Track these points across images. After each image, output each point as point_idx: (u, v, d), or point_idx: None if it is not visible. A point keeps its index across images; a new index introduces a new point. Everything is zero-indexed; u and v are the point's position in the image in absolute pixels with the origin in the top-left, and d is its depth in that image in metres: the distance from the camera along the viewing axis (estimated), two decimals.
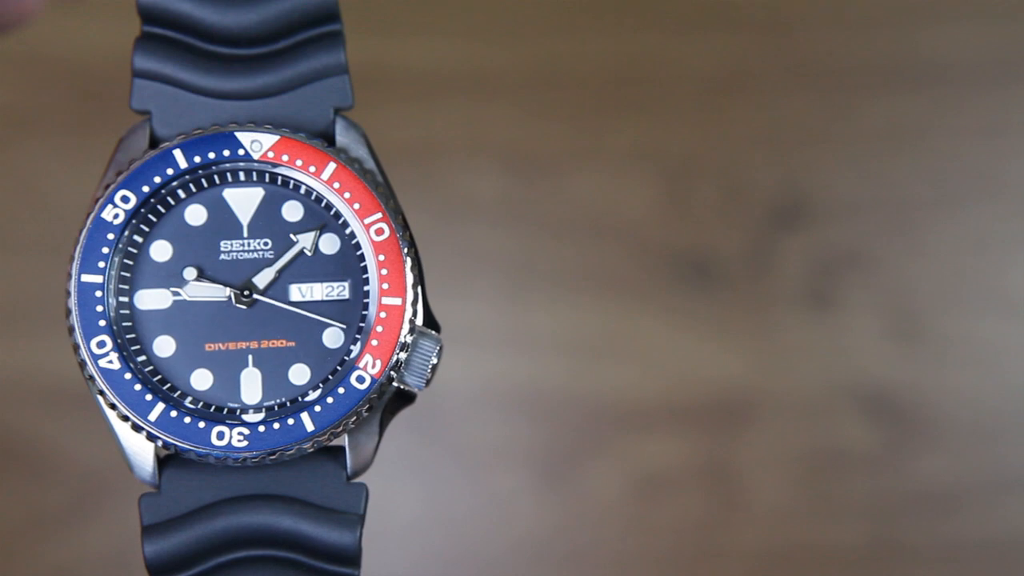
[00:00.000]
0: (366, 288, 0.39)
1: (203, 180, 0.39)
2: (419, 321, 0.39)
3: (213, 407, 0.38)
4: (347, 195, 0.39)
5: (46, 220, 0.77)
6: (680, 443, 0.78)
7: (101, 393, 0.37)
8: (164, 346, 0.38)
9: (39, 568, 0.75)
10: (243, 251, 0.39)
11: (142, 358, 0.38)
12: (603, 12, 0.82)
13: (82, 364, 0.37)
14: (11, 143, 0.78)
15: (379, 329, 0.38)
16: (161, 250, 0.39)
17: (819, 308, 0.80)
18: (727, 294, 0.79)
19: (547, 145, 0.80)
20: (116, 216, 0.38)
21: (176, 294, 0.38)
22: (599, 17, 0.82)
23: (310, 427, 0.37)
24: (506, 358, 0.79)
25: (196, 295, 0.38)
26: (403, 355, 0.38)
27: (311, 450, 0.38)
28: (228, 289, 0.38)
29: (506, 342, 0.79)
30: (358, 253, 0.39)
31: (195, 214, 0.39)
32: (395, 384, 0.38)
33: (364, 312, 0.39)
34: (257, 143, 0.39)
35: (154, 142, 0.39)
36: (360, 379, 0.38)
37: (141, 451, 0.38)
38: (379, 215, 0.39)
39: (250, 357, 0.38)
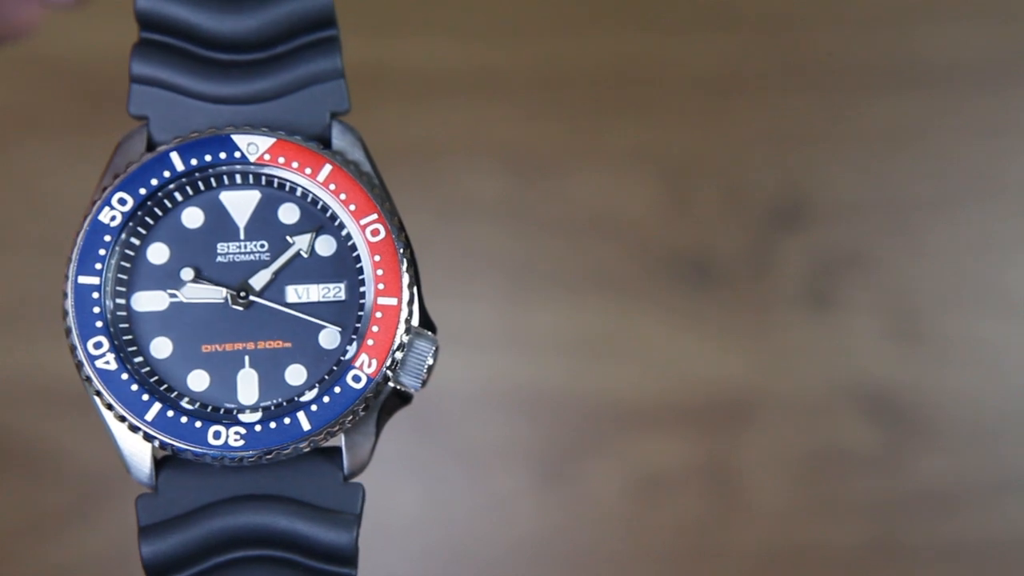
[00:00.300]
0: (362, 289, 0.39)
1: (200, 183, 0.39)
2: (415, 322, 0.39)
3: (210, 407, 0.38)
4: (343, 196, 0.39)
5: (46, 220, 0.77)
6: (680, 443, 0.78)
7: (98, 394, 0.37)
8: (161, 347, 0.38)
9: (39, 568, 0.75)
10: (240, 253, 0.39)
11: (139, 359, 0.38)
12: (603, 12, 0.82)
13: (79, 365, 0.37)
14: (11, 143, 0.79)
15: (375, 329, 0.38)
16: (158, 253, 0.39)
17: (819, 308, 0.80)
18: (727, 294, 0.79)
19: (547, 145, 0.80)
20: (113, 218, 0.38)
21: (173, 296, 0.39)
22: (599, 17, 0.82)
23: (306, 426, 0.37)
24: (506, 358, 0.79)
25: (193, 297, 0.38)
26: (399, 355, 0.38)
27: (307, 449, 0.38)
28: (224, 290, 0.38)
29: (506, 342, 0.79)
30: (354, 254, 0.39)
31: (192, 217, 0.39)
32: (391, 384, 0.38)
33: (360, 313, 0.39)
34: (253, 145, 0.39)
35: (151, 147, 0.39)
36: (356, 378, 0.38)
37: (138, 452, 0.38)
38: (375, 216, 0.39)
39: (246, 358, 0.38)
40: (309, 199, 0.39)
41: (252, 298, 0.39)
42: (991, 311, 0.80)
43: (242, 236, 0.39)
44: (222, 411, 0.38)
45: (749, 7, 0.82)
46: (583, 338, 0.79)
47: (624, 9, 0.82)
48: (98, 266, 0.38)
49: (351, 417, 0.38)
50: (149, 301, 0.39)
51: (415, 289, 0.39)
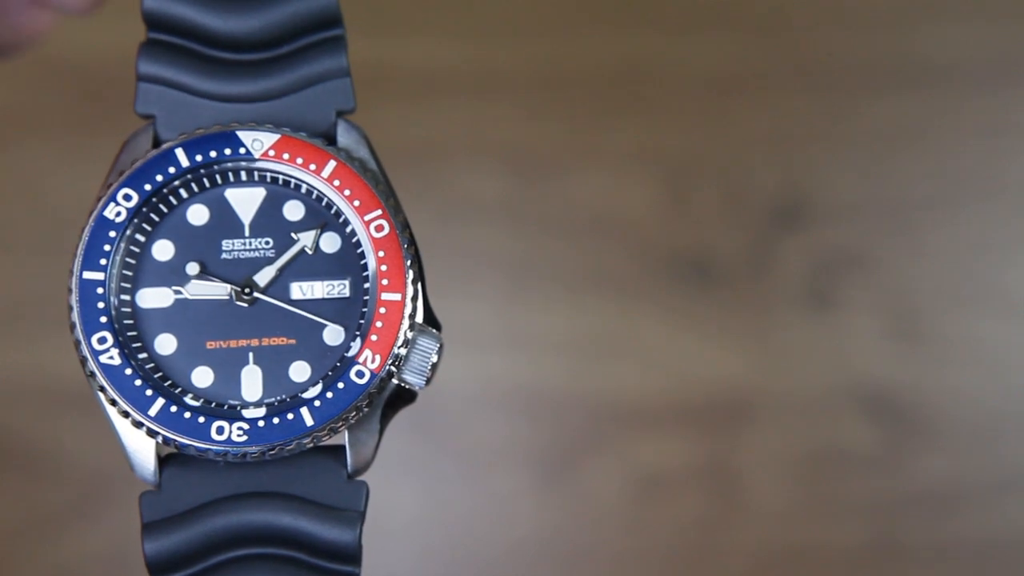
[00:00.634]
0: (366, 286, 0.39)
1: (205, 180, 0.39)
2: (419, 319, 0.39)
3: (214, 404, 0.38)
4: (347, 192, 0.39)
5: (46, 220, 0.77)
6: (680, 443, 0.78)
7: (102, 389, 0.37)
8: (165, 344, 0.38)
9: (39, 568, 0.75)
10: (245, 250, 0.39)
11: (143, 355, 0.38)
12: (603, 12, 0.82)
13: (83, 360, 0.37)
14: (11, 143, 0.79)
15: (378, 324, 0.38)
16: (163, 249, 0.39)
17: (819, 308, 0.80)
18: (727, 294, 0.79)
19: (547, 145, 0.80)
20: (118, 214, 0.38)
21: (178, 292, 0.39)
22: (599, 17, 0.82)
23: (309, 422, 0.37)
24: (506, 358, 0.79)
25: (197, 293, 0.39)
26: (403, 351, 0.38)
27: (310, 445, 0.38)
28: (229, 287, 0.38)
29: (506, 342, 0.79)
30: (359, 251, 0.39)
31: (197, 214, 0.39)
32: (395, 381, 0.38)
33: (364, 309, 0.39)
34: (258, 142, 0.39)
35: (157, 145, 0.39)
36: (359, 374, 0.38)
37: (142, 449, 0.38)
38: (379, 212, 0.39)
39: (251, 354, 0.38)
40: (314, 196, 0.39)
41: (256, 295, 0.39)
42: (991, 311, 0.80)
43: (247, 233, 0.39)
44: (226, 407, 0.38)
45: (750, 7, 0.83)
46: (583, 338, 0.79)
47: (624, 9, 0.82)
48: (103, 262, 0.38)
49: (354, 413, 0.38)
50: (154, 298, 0.39)
51: (419, 285, 0.39)
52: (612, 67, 0.81)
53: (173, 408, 0.37)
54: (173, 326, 0.38)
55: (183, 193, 0.39)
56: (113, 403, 0.37)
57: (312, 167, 0.39)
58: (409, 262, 0.38)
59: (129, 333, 0.38)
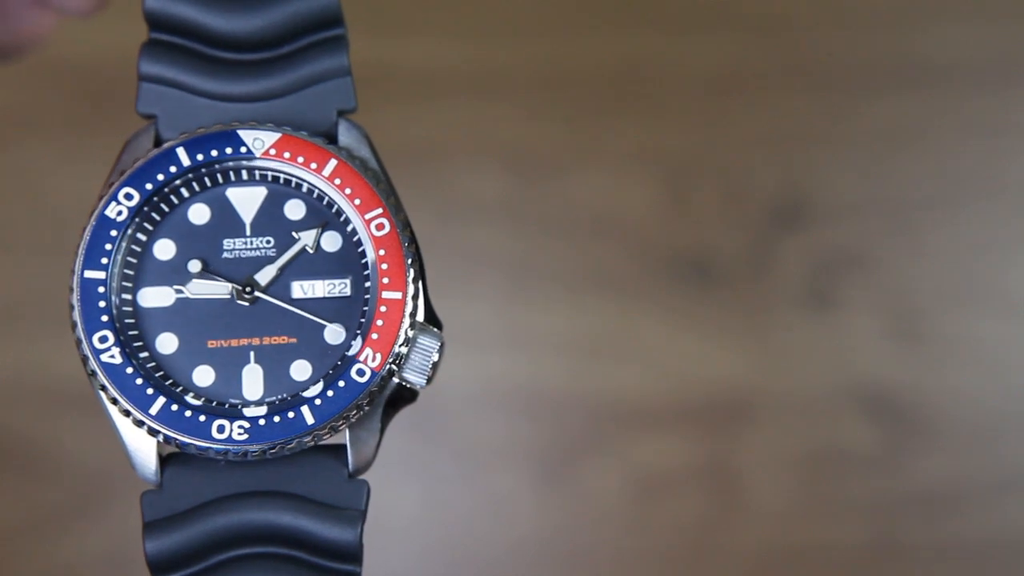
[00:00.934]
0: (367, 284, 0.39)
1: (206, 179, 0.39)
2: (420, 317, 0.39)
3: (215, 403, 0.38)
4: (348, 191, 0.39)
5: (46, 220, 0.77)
6: (680, 443, 0.78)
7: (103, 388, 0.37)
8: (167, 343, 0.38)
9: (39, 568, 0.75)
10: (246, 249, 0.39)
11: (144, 354, 0.38)
12: (603, 12, 0.82)
13: (84, 359, 0.37)
14: (11, 143, 0.79)
15: (379, 323, 0.38)
16: (164, 248, 0.39)
17: (819, 308, 0.80)
18: (727, 294, 0.79)
19: (548, 145, 0.80)
20: (120, 213, 0.38)
21: (179, 292, 0.39)
22: (599, 17, 0.82)
23: (310, 420, 0.37)
24: (506, 358, 0.79)
25: (198, 292, 0.39)
26: (403, 349, 0.38)
27: (311, 444, 0.38)
28: (230, 286, 0.38)
29: (506, 342, 0.79)
30: (360, 250, 0.39)
31: (198, 213, 0.39)
32: (396, 380, 0.38)
33: (365, 308, 0.39)
34: (259, 141, 0.39)
35: (159, 145, 0.39)
36: (360, 372, 0.38)
37: (143, 448, 0.38)
38: (379, 210, 0.39)
39: (252, 353, 0.38)
40: (315, 195, 0.39)
41: (257, 294, 0.39)
42: (991, 311, 0.80)
43: (248, 232, 0.39)
44: (227, 406, 0.38)
45: (749, 7, 0.83)
46: (583, 338, 0.79)
47: (624, 9, 0.82)
48: (104, 261, 0.38)
49: (355, 412, 0.38)
50: (155, 297, 0.39)
51: (420, 284, 0.39)
52: (612, 67, 0.81)
53: (174, 407, 0.37)
54: (174, 325, 0.38)
55: (184, 192, 0.39)
56: (114, 402, 0.37)
57: (313, 166, 0.39)
58: (410, 260, 0.38)
59: (130, 332, 0.38)
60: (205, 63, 0.40)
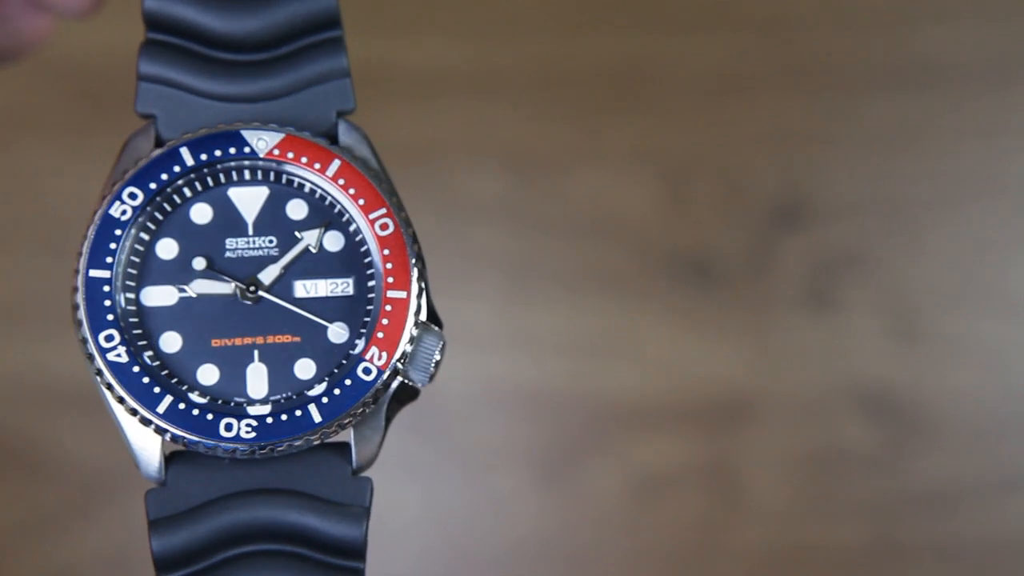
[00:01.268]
0: (370, 284, 0.39)
1: (208, 179, 0.39)
2: (423, 316, 0.39)
3: (220, 401, 0.38)
4: (352, 191, 0.39)
5: (46, 220, 0.77)
6: (680, 443, 0.78)
7: (109, 387, 0.37)
8: (171, 342, 0.38)
9: (39, 568, 0.75)
10: (248, 248, 0.39)
11: (149, 353, 0.38)
12: (603, 12, 0.82)
13: (90, 357, 0.37)
14: (11, 143, 0.78)
15: (384, 322, 0.38)
16: (167, 248, 0.39)
17: (819, 308, 0.80)
18: (727, 294, 0.79)
19: (547, 145, 0.80)
20: (124, 212, 0.38)
21: (182, 291, 0.39)
22: (599, 17, 0.82)
23: (317, 418, 0.37)
24: (506, 358, 0.79)
25: (202, 291, 0.39)
26: (409, 348, 0.38)
27: (318, 442, 0.38)
28: (233, 285, 0.39)
29: (506, 342, 0.79)
30: (362, 250, 0.39)
31: (200, 212, 0.39)
32: (399, 378, 0.38)
33: (369, 308, 0.39)
34: (263, 141, 0.39)
35: (159, 145, 0.39)
36: (367, 371, 0.38)
37: (147, 447, 0.38)
38: (383, 210, 0.39)
39: (256, 352, 0.39)
40: (317, 195, 0.40)
41: (261, 293, 0.39)
42: (991, 311, 0.80)
43: (250, 232, 0.39)
44: (232, 405, 0.38)
45: (749, 7, 0.83)
46: (583, 338, 0.79)
47: (624, 9, 0.82)
48: (108, 260, 0.38)
49: (362, 410, 0.38)
50: (158, 296, 0.39)
51: (423, 283, 0.39)
52: (612, 67, 0.81)
53: (181, 405, 0.37)
54: (178, 324, 0.39)
55: (187, 192, 0.39)
56: (120, 401, 0.37)
57: (317, 166, 0.39)
58: (414, 260, 0.39)
59: (135, 331, 0.38)
60: (204, 63, 0.40)
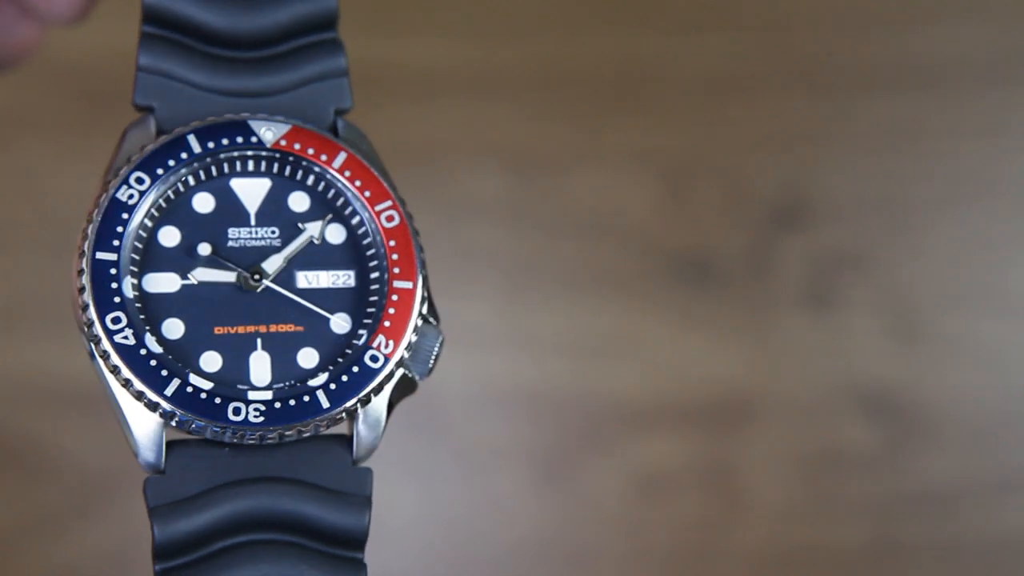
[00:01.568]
0: (373, 275, 0.39)
1: (212, 168, 0.39)
2: (424, 309, 0.39)
3: (224, 387, 0.38)
4: (357, 183, 0.39)
5: (46, 220, 0.77)
6: (680, 443, 0.78)
7: (114, 370, 0.37)
8: (173, 328, 0.38)
9: (39, 568, 0.75)
10: (251, 239, 0.39)
11: (153, 338, 0.38)
12: (603, 12, 0.82)
13: (96, 340, 0.37)
14: (11, 143, 0.78)
15: (391, 311, 0.39)
16: (169, 235, 0.39)
17: (819, 308, 0.80)
18: (727, 294, 0.79)
19: (548, 145, 0.80)
20: (131, 197, 0.38)
21: (184, 278, 0.39)
22: (599, 17, 0.82)
23: (325, 404, 0.38)
24: (506, 358, 0.79)
25: (204, 279, 0.39)
26: (414, 337, 0.39)
27: (325, 428, 0.38)
28: (236, 273, 0.39)
29: (506, 342, 0.79)
30: (365, 242, 0.40)
31: (203, 202, 0.40)
32: (401, 370, 0.39)
33: (373, 298, 0.39)
34: (270, 131, 0.39)
35: (160, 134, 0.39)
36: (374, 359, 0.38)
37: (149, 433, 0.38)
38: (389, 202, 0.39)
39: (259, 340, 0.39)
40: (320, 188, 0.40)
41: (266, 282, 0.39)
42: (991, 311, 0.80)
43: (253, 222, 0.40)
44: (235, 390, 0.38)
45: (749, 7, 0.83)
46: (583, 338, 0.79)
47: (624, 9, 0.82)
48: (115, 243, 0.38)
49: (368, 397, 0.38)
50: (161, 282, 0.39)
51: (425, 274, 0.39)
52: (612, 67, 0.81)
53: (189, 389, 0.37)
54: (180, 311, 0.39)
55: (190, 181, 0.39)
56: (126, 384, 0.37)
57: (323, 158, 0.39)
58: (420, 251, 0.39)
59: (140, 316, 0.38)
60: (203, 57, 0.40)
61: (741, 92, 0.81)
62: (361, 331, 0.39)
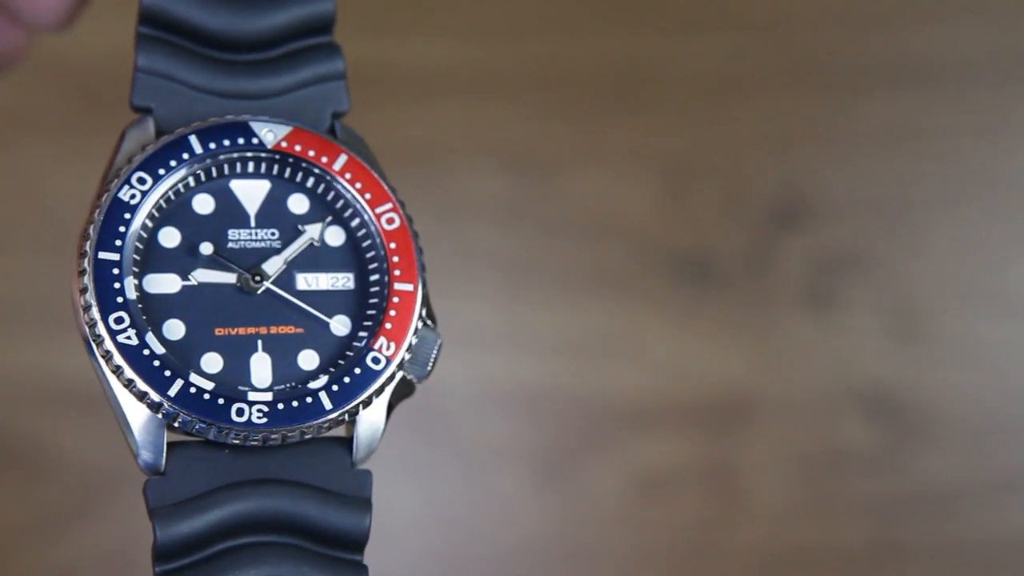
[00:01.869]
0: (372, 278, 0.39)
1: (212, 169, 0.39)
2: (423, 312, 0.39)
3: (226, 388, 0.38)
4: (358, 185, 0.40)
5: (46, 220, 0.77)
6: (680, 443, 0.78)
7: (117, 370, 0.37)
8: (174, 329, 0.38)
9: (39, 568, 0.75)
10: (251, 240, 0.39)
11: (155, 339, 0.38)
12: (603, 12, 0.82)
13: (99, 340, 0.37)
14: (11, 143, 0.78)
15: (392, 313, 0.39)
16: (169, 236, 0.39)
17: (819, 308, 0.80)
18: (727, 294, 0.79)
19: (547, 145, 0.80)
20: (133, 197, 0.38)
21: (185, 279, 0.39)
22: (599, 17, 0.82)
23: (328, 405, 0.38)
24: (506, 358, 0.79)
25: (204, 280, 0.39)
26: (415, 339, 0.39)
27: (327, 429, 0.38)
28: (236, 275, 0.39)
29: (506, 342, 0.79)
30: (364, 244, 0.40)
31: (203, 203, 0.40)
32: (401, 372, 0.39)
33: (372, 300, 0.39)
34: (271, 133, 0.39)
35: (160, 136, 0.39)
36: (376, 360, 0.38)
37: (151, 435, 0.37)
38: (390, 205, 0.40)
39: (259, 342, 0.39)
40: (319, 190, 0.40)
41: (267, 284, 0.39)
42: (991, 311, 0.80)
43: (253, 224, 0.40)
44: (236, 392, 0.38)
45: (749, 7, 0.83)
46: (584, 338, 0.79)
47: (624, 9, 0.82)
48: (118, 243, 0.38)
49: (370, 398, 0.38)
50: (161, 283, 0.39)
51: (425, 277, 0.39)
52: (612, 67, 0.81)
53: (192, 390, 0.37)
54: (181, 312, 0.38)
55: (191, 182, 0.39)
56: (128, 385, 0.37)
57: (324, 160, 0.39)
58: (420, 253, 0.39)
59: (142, 317, 0.38)
60: (200, 59, 0.40)
61: (741, 92, 0.81)
62: (362, 333, 0.39)
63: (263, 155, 0.39)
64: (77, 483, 0.75)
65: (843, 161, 0.81)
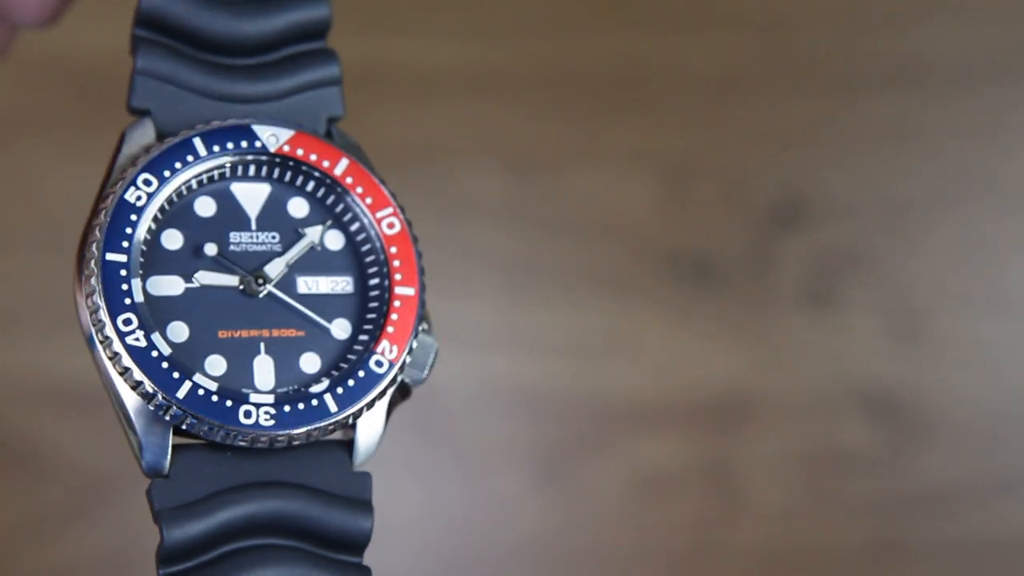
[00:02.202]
0: (371, 282, 0.40)
1: (214, 172, 0.39)
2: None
3: (230, 390, 0.38)
4: (359, 190, 0.40)
5: (46, 220, 0.77)
6: (681, 443, 0.78)
7: (124, 372, 0.37)
8: (178, 331, 0.38)
9: (39, 568, 0.75)
10: (252, 243, 0.39)
11: (161, 341, 0.38)
12: (603, 12, 0.82)
13: (107, 342, 0.37)
14: (11, 143, 0.78)
15: (394, 317, 0.39)
16: (172, 238, 0.39)
17: (819, 308, 0.80)
18: (727, 294, 0.79)
19: (547, 145, 0.80)
20: (139, 198, 0.38)
21: (188, 281, 0.39)
22: (599, 17, 0.82)
23: (333, 408, 0.38)
24: (506, 358, 0.79)
25: (207, 282, 0.39)
26: (416, 343, 0.39)
27: (332, 432, 0.38)
28: (238, 277, 0.39)
29: (506, 342, 0.79)
30: (363, 249, 0.40)
31: (204, 205, 0.40)
32: (401, 375, 0.39)
33: (372, 304, 0.39)
34: (274, 136, 0.39)
35: (161, 138, 0.39)
36: (379, 363, 0.38)
37: (156, 437, 0.37)
38: (390, 209, 0.40)
39: (262, 345, 0.39)
40: (319, 195, 0.40)
41: (270, 287, 0.39)
42: (991, 311, 0.80)
43: (254, 227, 0.40)
44: (240, 394, 0.38)
45: (749, 7, 0.83)
46: (584, 338, 0.79)
47: (624, 9, 0.82)
48: (125, 244, 0.38)
49: (374, 401, 0.38)
50: (164, 285, 0.39)
51: (424, 281, 0.40)
52: (612, 67, 0.81)
53: (200, 392, 0.37)
54: (185, 314, 0.38)
55: (193, 184, 0.39)
56: (135, 387, 0.37)
57: (325, 164, 0.40)
58: (419, 257, 0.39)
59: (148, 318, 0.38)
60: (199, 63, 0.40)
61: (741, 92, 0.81)
62: (362, 337, 0.39)
63: (264, 158, 0.39)
64: (77, 483, 0.75)
65: (843, 161, 0.81)
